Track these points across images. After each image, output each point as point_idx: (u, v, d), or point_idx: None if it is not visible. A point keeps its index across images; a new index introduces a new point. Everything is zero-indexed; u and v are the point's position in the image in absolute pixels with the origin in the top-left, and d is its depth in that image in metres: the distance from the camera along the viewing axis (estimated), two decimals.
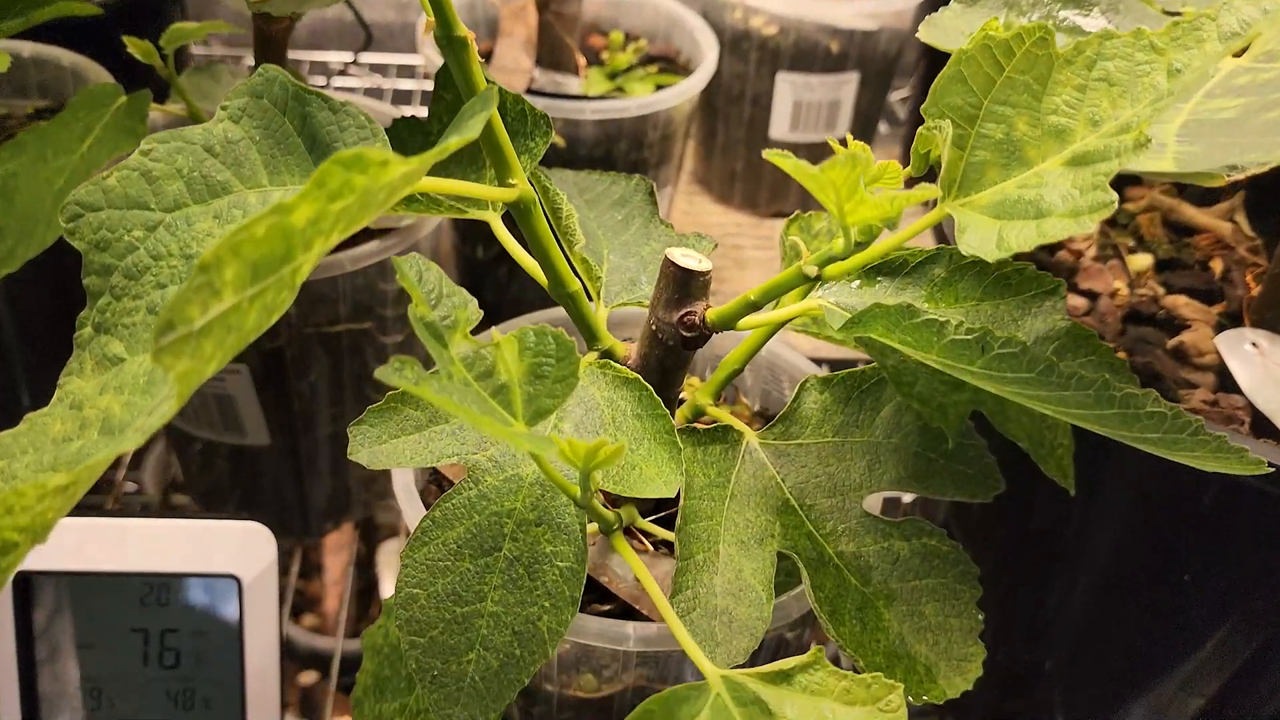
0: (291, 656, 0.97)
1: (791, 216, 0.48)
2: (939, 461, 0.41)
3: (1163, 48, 0.31)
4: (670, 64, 0.82)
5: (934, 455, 0.41)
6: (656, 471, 0.35)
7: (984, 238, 0.31)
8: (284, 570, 0.49)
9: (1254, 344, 0.49)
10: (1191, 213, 0.56)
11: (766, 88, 0.87)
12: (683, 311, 0.38)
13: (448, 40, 0.33)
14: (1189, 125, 0.35)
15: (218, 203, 0.31)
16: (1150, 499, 0.45)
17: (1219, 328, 0.51)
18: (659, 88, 0.77)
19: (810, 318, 0.47)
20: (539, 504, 0.35)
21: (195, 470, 0.64)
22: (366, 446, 0.34)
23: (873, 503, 0.41)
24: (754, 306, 0.37)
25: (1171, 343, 0.50)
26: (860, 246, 0.32)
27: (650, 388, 0.37)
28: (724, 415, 0.43)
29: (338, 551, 1.04)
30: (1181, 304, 0.51)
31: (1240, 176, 0.30)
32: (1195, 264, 0.54)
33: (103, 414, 0.29)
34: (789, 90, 0.87)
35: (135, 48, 0.54)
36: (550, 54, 0.75)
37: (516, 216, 0.37)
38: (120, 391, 0.29)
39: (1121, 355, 0.47)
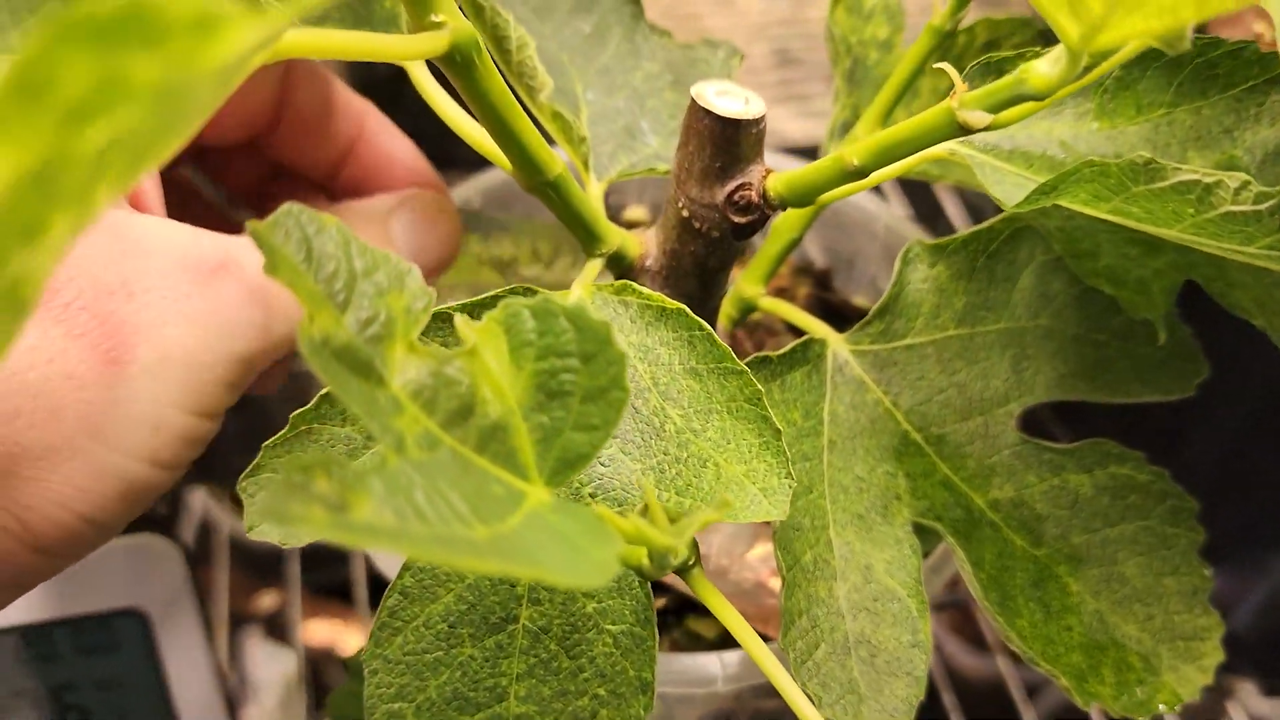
0: (243, 562, 0.86)
1: None
2: (1111, 344, 0.28)
3: None
4: None
5: (1102, 335, 0.28)
6: (748, 471, 0.22)
7: None
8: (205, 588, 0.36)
9: None
10: None
11: None
12: (732, 186, 0.24)
13: None
14: None
15: None
16: None
17: None
18: None
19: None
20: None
21: None
22: (275, 516, 0.21)
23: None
24: (856, 175, 0.23)
25: None
26: (1086, 70, 0.18)
27: (706, 326, 0.23)
28: (784, 308, 0.30)
29: None
30: None
31: None
32: None
33: None
34: None
35: None
36: None
37: (451, 73, 0.22)
38: None
39: None
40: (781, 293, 0.39)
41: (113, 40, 0.08)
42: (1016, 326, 0.28)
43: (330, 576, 0.81)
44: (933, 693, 0.52)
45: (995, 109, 0.19)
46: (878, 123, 0.30)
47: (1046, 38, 0.36)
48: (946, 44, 0.34)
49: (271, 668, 0.74)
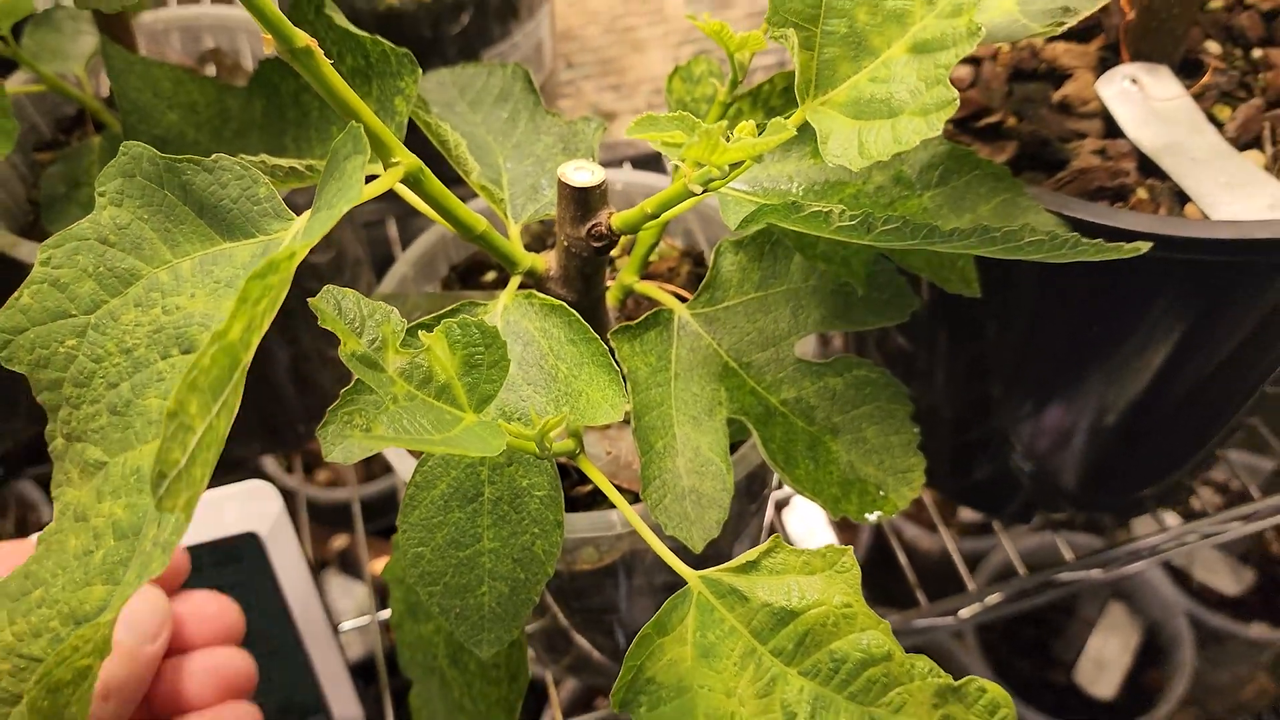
0: (316, 517, 1.04)
1: (672, 70, 0.49)
2: (855, 293, 0.44)
3: None
4: None
5: (848, 288, 0.44)
6: (601, 395, 0.38)
7: (846, 144, 0.32)
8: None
9: (1132, 80, 0.51)
10: None
11: None
12: (589, 225, 0.40)
13: (292, 54, 0.33)
14: None
15: (133, 290, 0.33)
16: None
17: (1102, 65, 0.52)
18: None
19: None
20: (508, 447, 0.39)
21: None
22: (339, 445, 0.37)
23: (803, 350, 0.45)
24: (652, 217, 0.38)
25: (1056, 96, 0.51)
26: (735, 166, 0.34)
27: (576, 314, 0.39)
28: (652, 289, 0.46)
29: None
30: (1061, 52, 0.52)
31: (1073, 21, 0.31)
32: None
33: (110, 520, 0.32)
34: None
35: None
36: None
37: (410, 188, 0.38)
38: (117, 495, 0.32)
39: (1009, 124, 0.49)
40: (672, 270, 0.54)
41: (263, 274, 0.24)
42: (794, 288, 0.44)
43: (386, 522, 0.99)
44: (895, 563, 0.68)
45: (704, 185, 0.35)
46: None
47: None
48: (755, 91, 0.49)
49: (347, 596, 0.92)
